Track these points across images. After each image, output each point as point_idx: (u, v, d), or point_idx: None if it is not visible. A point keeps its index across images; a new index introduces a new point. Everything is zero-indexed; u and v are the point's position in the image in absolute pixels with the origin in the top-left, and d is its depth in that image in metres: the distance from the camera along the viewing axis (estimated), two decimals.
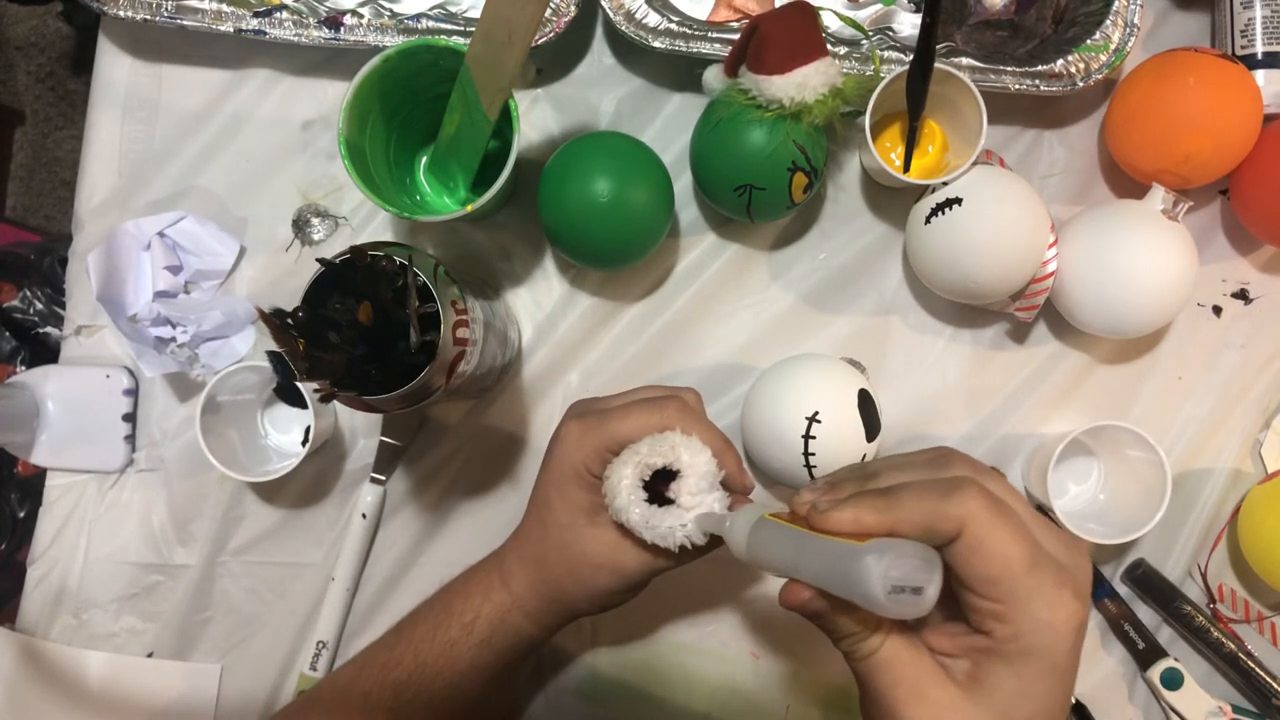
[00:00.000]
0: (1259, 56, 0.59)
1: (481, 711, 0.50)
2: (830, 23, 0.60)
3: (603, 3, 0.59)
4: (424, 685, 0.47)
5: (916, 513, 0.32)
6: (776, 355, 0.61)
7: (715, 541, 0.41)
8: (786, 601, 0.34)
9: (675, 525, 0.41)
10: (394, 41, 0.59)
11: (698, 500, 0.41)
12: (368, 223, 0.64)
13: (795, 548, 0.34)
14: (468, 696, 0.48)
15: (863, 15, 0.61)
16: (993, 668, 0.33)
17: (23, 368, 0.96)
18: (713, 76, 0.57)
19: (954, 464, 0.35)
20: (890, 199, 0.63)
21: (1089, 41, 0.59)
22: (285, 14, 0.60)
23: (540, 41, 0.59)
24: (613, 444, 0.43)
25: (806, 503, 0.35)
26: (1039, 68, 0.59)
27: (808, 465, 0.54)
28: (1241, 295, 0.64)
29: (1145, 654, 0.61)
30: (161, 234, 0.63)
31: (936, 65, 0.54)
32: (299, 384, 0.59)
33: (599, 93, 0.64)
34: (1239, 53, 0.60)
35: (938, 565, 0.31)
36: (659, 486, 0.42)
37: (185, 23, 0.59)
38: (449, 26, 0.60)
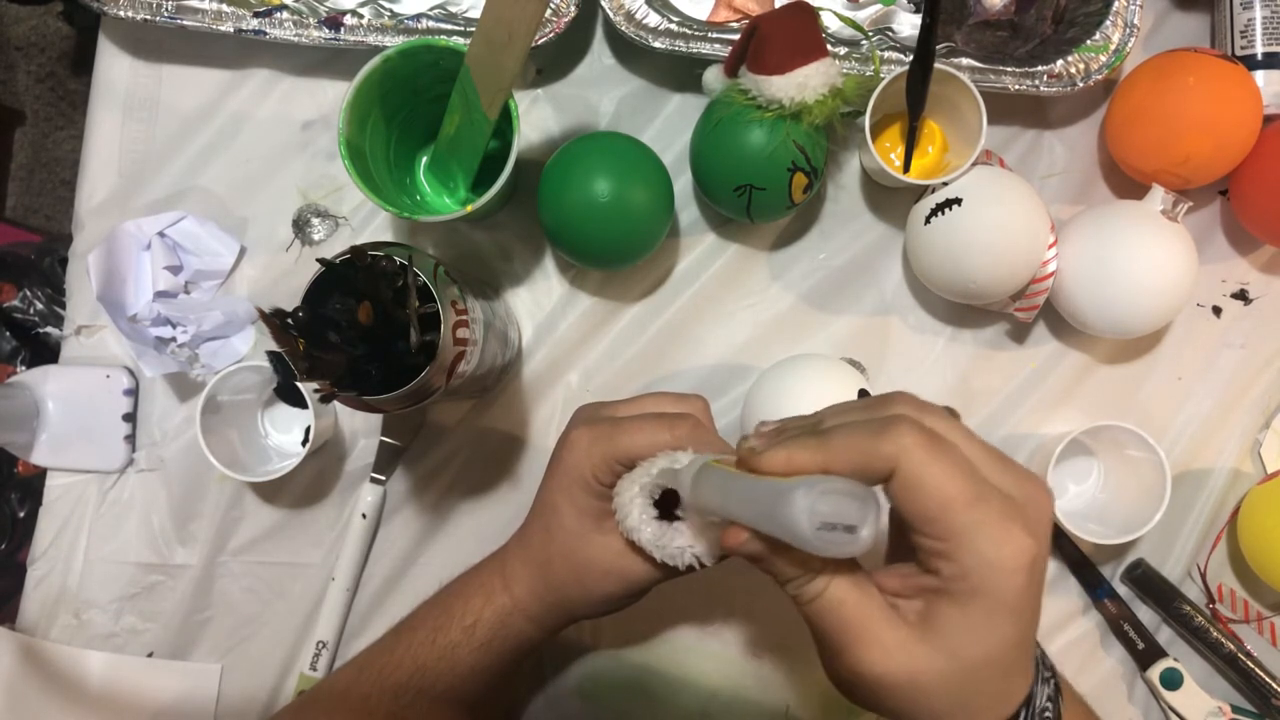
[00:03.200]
0: (1259, 57, 0.59)
1: (480, 713, 0.50)
2: (830, 23, 0.60)
3: (603, 3, 0.59)
4: (423, 688, 0.46)
5: (849, 450, 0.31)
6: (776, 355, 0.61)
7: (725, 556, 0.41)
8: (725, 544, 0.34)
9: (685, 546, 0.40)
10: (394, 41, 0.59)
11: (707, 523, 0.40)
12: (368, 223, 0.64)
13: (732, 489, 0.33)
14: (467, 699, 0.48)
15: (863, 15, 0.61)
16: (942, 608, 0.32)
17: (23, 368, 0.96)
18: (713, 77, 0.58)
19: (894, 403, 0.34)
20: (890, 199, 0.63)
21: (1089, 42, 0.59)
22: (285, 14, 0.60)
23: (540, 41, 0.59)
24: (623, 456, 0.42)
25: (748, 446, 0.34)
26: (1039, 68, 0.59)
27: None
28: (1241, 295, 0.64)
29: (1145, 654, 0.61)
30: (161, 234, 0.63)
31: (936, 65, 0.54)
32: (299, 384, 0.59)
33: (599, 93, 0.64)
34: (1239, 53, 0.60)
35: (873, 503, 0.29)
36: (670, 503, 0.42)
37: (185, 23, 0.59)
38: (449, 26, 0.60)
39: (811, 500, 0.28)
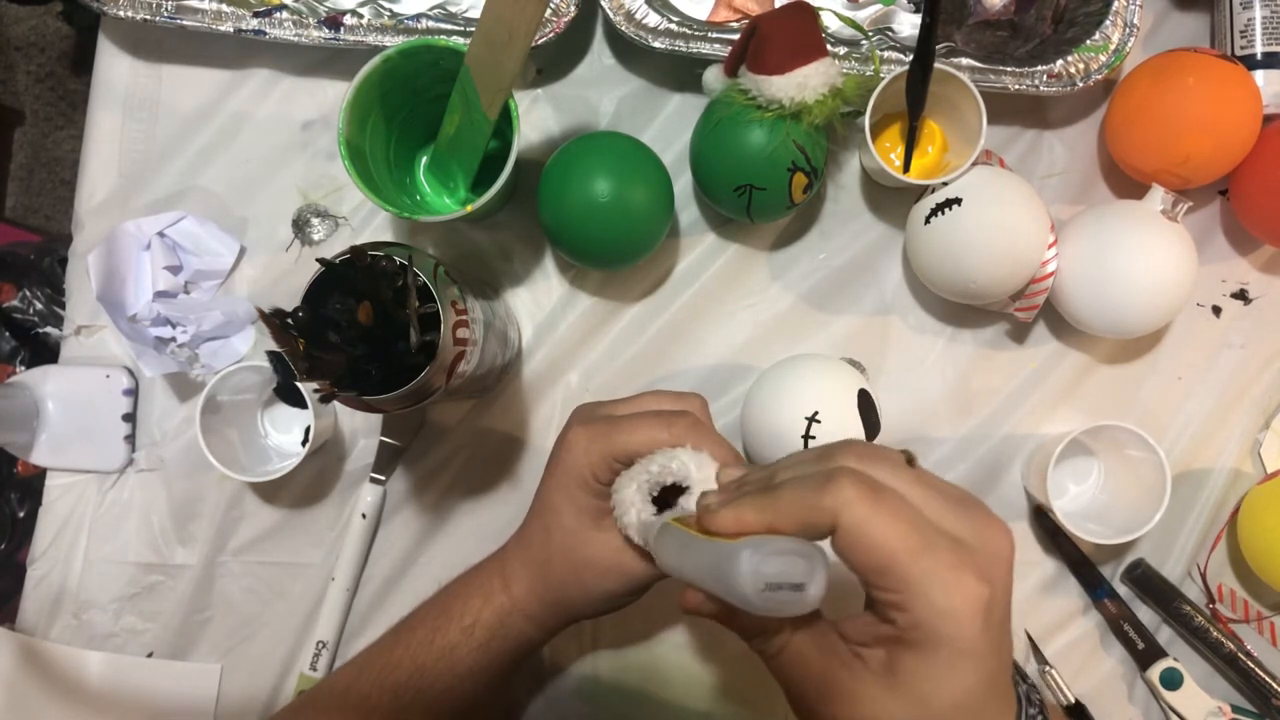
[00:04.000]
0: (1258, 57, 0.59)
1: (480, 713, 0.50)
2: (830, 23, 0.60)
3: (603, 3, 0.59)
4: (423, 688, 0.46)
5: (792, 507, 0.31)
6: (776, 355, 0.61)
7: None
8: (683, 606, 0.34)
9: None
10: (394, 41, 0.59)
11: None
12: (368, 223, 0.64)
13: (686, 552, 0.34)
14: (466, 699, 0.48)
15: (862, 15, 0.61)
16: (904, 656, 0.31)
17: (23, 368, 0.96)
18: (713, 76, 0.58)
19: (837, 454, 0.34)
20: (890, 199, 0.63)
21: (1089, 42, 0.59)
22: (285, 14, 0.60)
23: (540, 41, 0.59)
24: (621, 454, 0.43)
25: (703, 505, 0.34)
26: (1039, 68, 0.59)
27: None
28: (1241, 295, 0.64)
29: (1145, 654, 0.61)
30: (161, 234, 0.63)
31: (936, 65, 0.54)
32: (299, 384, 0.59)
33: (599, 93, 0.64)
34: (1238, 53, 0.60)
35: (820, 560, 0.29)
36: (669, 499, 0.42)
37: (185, 23, 0.59)
38: (449, 26, 0.60)
39: (756, 563, 0.29)
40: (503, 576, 0.48)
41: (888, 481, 0.32)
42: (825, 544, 0.31)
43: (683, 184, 0.63)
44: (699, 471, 0.40)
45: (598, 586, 0.45)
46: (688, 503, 0.41)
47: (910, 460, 0.34)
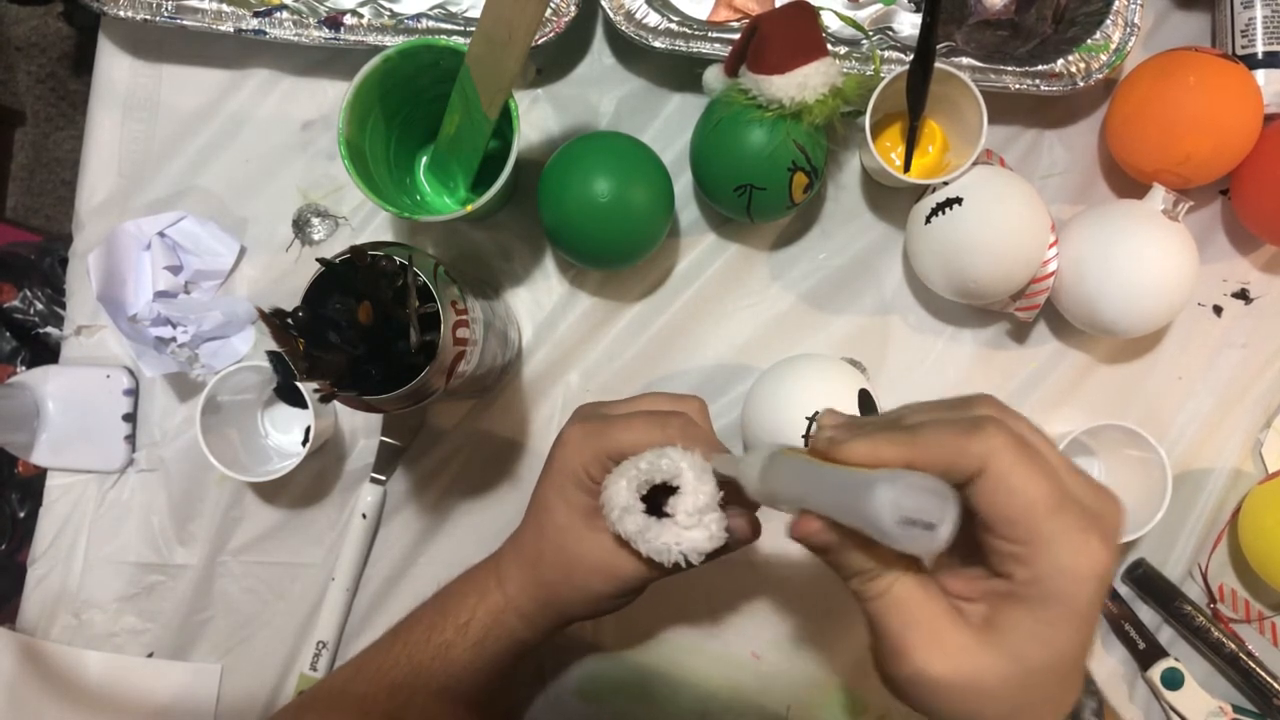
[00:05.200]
0: (1259, 56, 0.59)
1: (478, 712, 0.50)
2: (830, 22, 0.60)
3: (603, 3, 0.59)
4: (419, 687, 0.46)
5: (937, 447, 0.31)
6: (776, 355, 0.61)
7: (713, 555, 0.41)
8: (797, 533, 0.34)
9: (671, 543, 0.40)
10: (394, 41, 0.59)
11: (693, 521, 0.40)
12: (368, 223, 0.64)
13: (809, 477, 0.33)
14: (463, 698, 0.48)
15: (863, 15, 0.61)
16: (1010, 612, 0.32)
17: (23, 368, 0.96)
18: (713, 76, 0.57)
19: (979, 404, 0.34)
20: (890, 199, 0.63)
21: (1089, 41, 0.59)
22: (285, 14, 0.60)
23: (540, 41, 0.59)
24: (614, 452, 0.43)
25: (826, 436, 0.34)
26: (1039, 68, 0.59)
27: None
28: (1242, 295, 0.64)
29: (1146, 654, 0.60)
30: (161, 234, 0.63)
31: (937, 65, 0.54)
32: (299, 384, 0.59)
33: (599, 93, 0.64)
34: (1239, 52, 0.60)
35: (953, 503, 0.29)
36: (659, 499, 0.42)
37: (185, 23, 0.59)
38: (449, 26, 0.60)
39: (896, 494, 0.28)
40: (498, 575, 0.48)
41: (1029, 437, 0.32)
42: None
43: (683, 184, 0.63)
44: (690, 470, 0.40)
45: (588, 586, 0.45)
46: (678, 503, 0.40)
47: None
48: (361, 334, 0.44)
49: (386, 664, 0.47)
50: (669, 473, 0.41)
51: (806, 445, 0.53)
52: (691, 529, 0.40)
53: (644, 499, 0.42)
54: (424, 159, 0.61)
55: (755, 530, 0.44)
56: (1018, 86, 0.59)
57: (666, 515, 0.41)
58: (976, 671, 0.32)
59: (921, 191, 0.58)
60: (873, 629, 0.34)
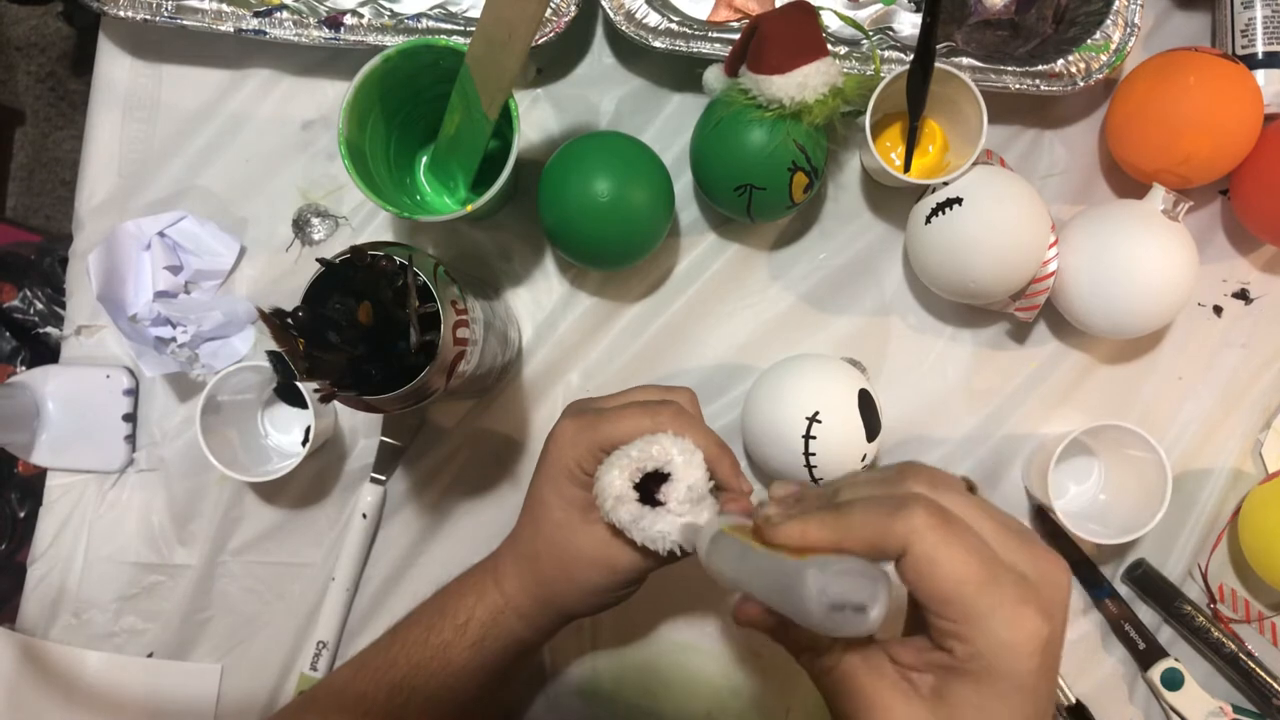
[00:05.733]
0: (1259, 56, 0.59)
1: (478, 712, 0.50)
2: (830, 22, 0.60)
3: (603, 3, 0.59)
4: (418, 687, 0.47)
5: (863, 529, 0.32)
6: (776, 355, 0.61)
7: None
8: (738, 618, 0.34)
9: (665, 530, 0.40)
10: (394, 41, 0.59)
11: (686, 508, 0.41)
12: (368, 223, 0.64)
13: (745, 562, 0.34)
14: (462, 698, 0.48)
15: (863, 15, 0.61)
16: (956, 686, 0.32)
17: (23, 368, 0.96)
18: (713, 76, 0.57)
19: (908, 479, 0.34)
20: (890, 199, 0.63)
21: (1089, 41, 0.59)
22: (285, 14, 0.60)
23: (540, 41, 0.59)
24: (606, 443, 0.43)
25: (764, 515, 0.34)
26: (1039, 67, 0.59)
27: (808, 465, 0.54)
28: (1242, 295, 0.64)
29: (1145, 654, 0.60)
30: (161, 234, 0.63)
31: (937, 65, 0.54)
32: (299, 384, 0.59)
33: (599, 93, 0.64)
34: (1239, 52, 0.60)
35: (884, 583, 0.30)
36: (651, 487, 0.42)
37: (185, 23, 0.59)
38: (449, 26, 0.60)
39: (824, 582, 0.29)
40: (495, 575, 0.48)
41: (957, 510, 0.32)
42: (889, 568, 0.32)
43: (683, 184, 0.63)
44: (681, 456, 0.41)
45: (585, 580, 0.45)
46: (670, 490, 0.41)
47: (971, 488, 0.35)
48: (361, 334, 0.44)
49: (386, 663, 0.47)
50: (660, 459, 0.41)
51: (805, 453, 0.53)
52: (684, 516, 0.40)
53: (637, 488, 0.42)
54: (424, 159, 0.61)
55: (749, 516, 0.45)
56: (1018, 86, 0.59)
57: (660, 504, 0.41)
58: None
59: (921, 191, 0.58)
60: (827, 702, 0.35)
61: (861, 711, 0.33)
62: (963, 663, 0.31)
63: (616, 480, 0.41)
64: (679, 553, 0.41)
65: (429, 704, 0.47)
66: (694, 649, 0.62)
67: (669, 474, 0.41)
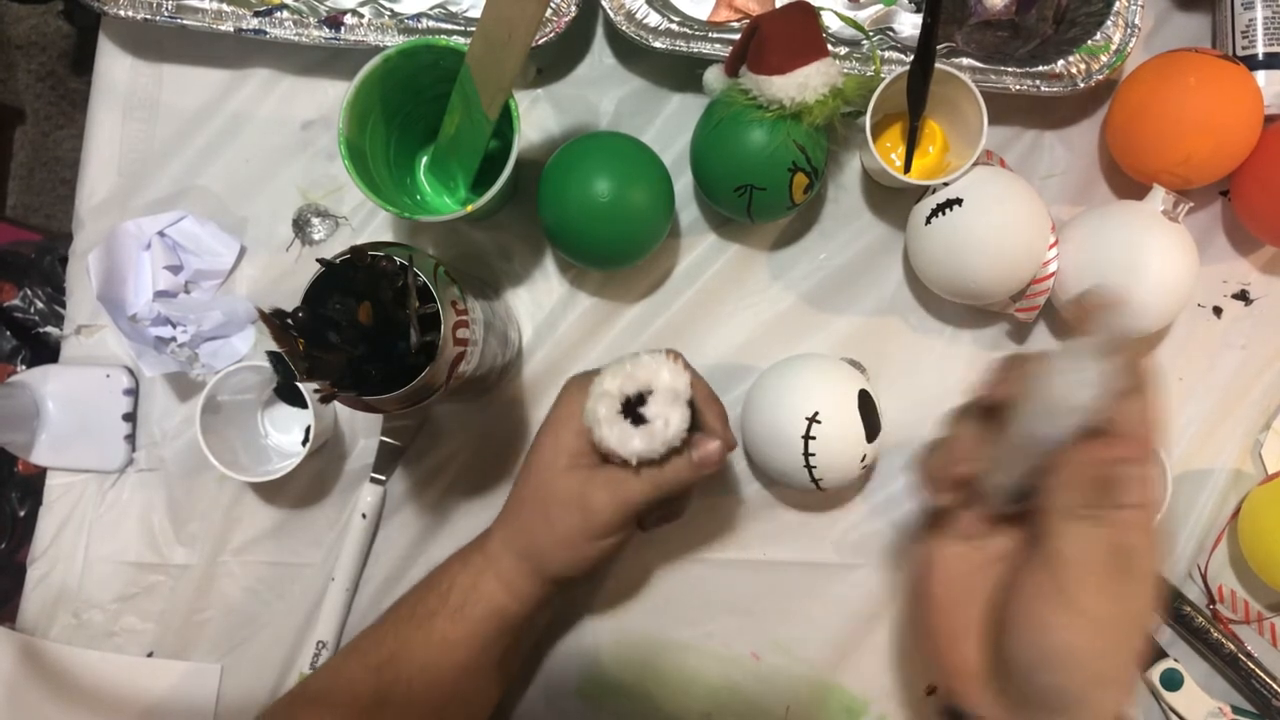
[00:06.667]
0: (1260, 57, 0.59)
1: (469, 688, 0.50)
2: (831, 23, 0.60)
3: (603, 3, 0.59)
4: (401, 664, 0.47)
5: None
6: (776, 355, 0.61)
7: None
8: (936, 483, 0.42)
9: (651, 443, 0.44)
10: (394, 41, 0.59)
11: (665, 411, 0.44)
12: (368, 223, 0.64)
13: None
14: (442, 676, 0.48)
15: (863, 15, 0.61)
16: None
17: (23, 367, 0.96)
18: (713, 76, 0.57)
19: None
20: (890, 199, 0.63)
21: (1090, 42, 0.59)
22: (285, 14, 0.60)
23: (540, 41, 0.59)
24: None
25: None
26: (1039, 68, 0.59)
27: (808, 465, 0.54)
28: (1242, 296, 0.64)
29: (1145, 654, 0.61)
30: (161, 234, 0.63)
31: (937, 66, 0.54)
32: (299, 384, 0.59)
33: (599, 93, 0.64)
34: (1240, 53, 0.60)
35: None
36: (635, 407, 0.45)
37: (185, 23, 0.59)
38: (449, 26, 0.60)
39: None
40: (483, 537, 0.50)
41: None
42: None
43: (683, 184, 0.63)
44: (668, 374, 0.44)
45: (561, 524, 0.46)
46: (658, 410, 0.44)
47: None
48: (361, 334, 0.44)
49: (374, 642, 0.49)
50: (649, 372, 0.44)
51: (805, 454, 0.53)
52: (666, 420, 0.44)
53: (627, 414, 0.45)
54: (424, 159, 0.61)
55: (725, 450, 0.48)
56: (1018, 87, 0.59)
57: (644, 421, 0.45)
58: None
59: (922, 192, 0.58)
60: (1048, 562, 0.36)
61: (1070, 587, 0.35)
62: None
63: (607, 381, 0.45)
64: (678, 445, 0.45)
65: (411, 684, 0.47)
66: (694, 649, 0.62)
67: (650, 393, 0.45)
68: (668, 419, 0.44)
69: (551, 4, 0.59)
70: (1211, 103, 0.55)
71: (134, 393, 0.63)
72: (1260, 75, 0.58)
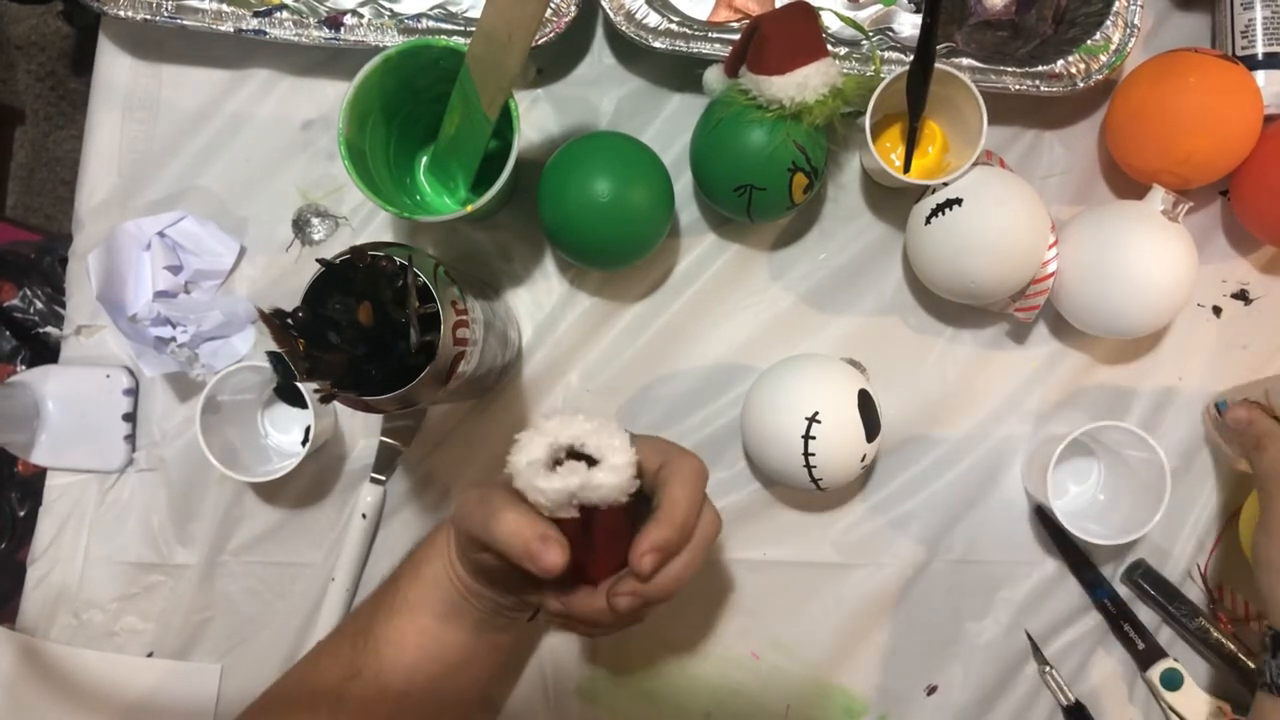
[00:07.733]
0: (1259, 57, 0.59)
1: (453, 661, 0.48)
2: (830, 23, 0.60)
3: (603, 3, 0.59)
4: (370, 635, 0.46)
5: None
6: (776, 355, 0.61)
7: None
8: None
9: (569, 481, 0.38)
10: (394, 41, 0.59)
11: (613, 471, 0.39)
12: (368, 223, 0.64)
13: None
14: (408, 644, 0.46)
15: (863, 15, 0.61)
16: None
17: (23, 367, 0.95)
18: (713, 77, 0.58)
19: None
20: (890, 199, 0.63)
21: (1089, 42, 0.59)
22: (285, 14, 0.60)
23: (540, 41, 0.59)
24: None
25: None
26: (1039, 68, 0.59)
27: (808, 465, 0.54)
28: (1241, 296, 0.64)
29: (1145, 654, 0.61)
30: (161, 234, 0.63)
31: (937, 66, 0.54)
32: (299, 384, 0.59)
33: (599, 93, 0.64)
34: (1239, 53, 0.60)
35: None
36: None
37: (185, 23, 0.59)
38: (449, 26, 0.60)
39: None
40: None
41: None
42: None
43: (683, 184, 0.63)
44: (601, 439, 0.39)
45: (470, 518, 0.42)
46: (596, 478, 0.38)
47: None
48: (361, 334, 0.44)
49: (340, 642, 0.48)
50: (578, 435, 0.39)
51: (805, 454, 0.53)
52: (607, 475, 0.39)
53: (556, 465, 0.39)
54: (424, 159, 0.61)
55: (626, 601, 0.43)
56: (1018, 87, 0.59)
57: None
58: None
59: (921, 192, 0.58)
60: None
61: None
62: None
63: (535, 437, 0.39)
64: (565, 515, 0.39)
65: (380, 651, 0.46)
66: (694, 649, 0.62)
67: (589, 455, 0.39)
68: (587, 475, 0.39)
69: (551, 4, 0.59)
70: (1211, 103, 0.55)
71: (134, 393, 0.63)
72: (1260, 75, 0.59)
